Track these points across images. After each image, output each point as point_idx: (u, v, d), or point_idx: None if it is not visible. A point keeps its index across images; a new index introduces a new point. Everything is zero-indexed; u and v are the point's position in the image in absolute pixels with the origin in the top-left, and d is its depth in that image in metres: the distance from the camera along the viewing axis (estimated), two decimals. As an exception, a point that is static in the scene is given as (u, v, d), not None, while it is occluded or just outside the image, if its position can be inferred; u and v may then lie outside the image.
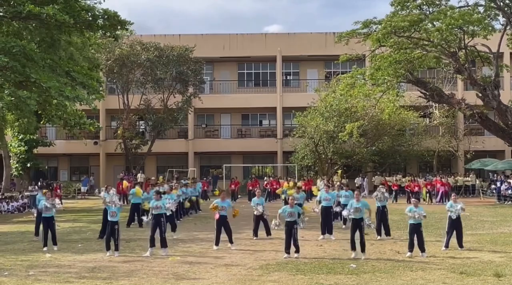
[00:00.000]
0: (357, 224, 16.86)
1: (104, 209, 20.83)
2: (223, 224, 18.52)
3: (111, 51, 43.79)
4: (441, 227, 19.36)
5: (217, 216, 18.55)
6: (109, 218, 17.58)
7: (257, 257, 16.85)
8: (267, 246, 18.67)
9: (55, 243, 18.87)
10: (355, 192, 18.38)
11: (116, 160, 50.59)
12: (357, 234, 16.81)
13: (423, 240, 17.00)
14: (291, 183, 33.55)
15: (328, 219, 21.16)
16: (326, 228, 20.95)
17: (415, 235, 16.91)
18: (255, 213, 21.04)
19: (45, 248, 18.39)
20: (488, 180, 46.00)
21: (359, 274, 14.17)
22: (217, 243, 18.43)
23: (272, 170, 51.02)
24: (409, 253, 16.82)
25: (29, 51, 27.14)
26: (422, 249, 16.83)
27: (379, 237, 20.37)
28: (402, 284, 12.94)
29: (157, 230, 17.67)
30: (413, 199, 17.95)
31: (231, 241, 18.54)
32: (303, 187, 34.37)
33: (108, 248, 17.41)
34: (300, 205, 23.60)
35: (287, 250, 16.84)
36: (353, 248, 16.72)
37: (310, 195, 34.97)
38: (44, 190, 22.95)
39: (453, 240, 18.09)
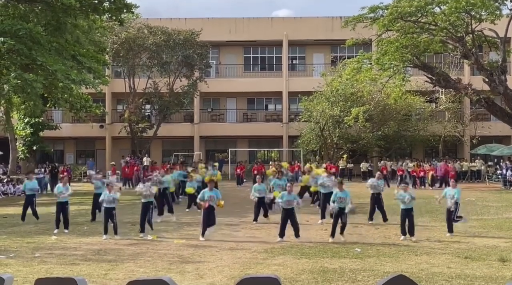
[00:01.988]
0: (341, 212, 16.88)
1: (94, 194, 20.95)
2: (209, 213, 17.35)
3: (117, 34, 43.75)
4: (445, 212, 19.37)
5: (206, 205, 17.42)
6: (105, 205, 17.62)
7: (262, 241, 16.90)
8: (272, 230, 18.70)
9: (66, 227, 18.98)
10: (338, 182, 18.25)
11: (122, 143, 50.70)
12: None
13: (413, 225, 17.18)
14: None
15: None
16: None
17: (406, 219, 17.09)
18: (251, 198, 21.16)
19: (56, 231, 18.48)
20: (494, 166, 45.94)
21: (364, 258, 14.21)
22: (203, 234, 17.26)
23: (278, 154, 51.04)
24: (402, 237, 17.05)
25: (35, 34, 27.10)
26: (412, 233, 17.04)
27: (370, 222, 20.43)
28: (406, 268, 12.96)
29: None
30: (402, 185, 17.97)
31: (203, 234, 17.22)
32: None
33: (105, 232, 17.57)
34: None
35: (281, 234, 16.89)
36: (333, 235, 16.82)
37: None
38: (61, 176, 23.12)
39: (458, 225, 18.10)
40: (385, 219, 20.66)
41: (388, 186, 37.00)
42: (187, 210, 24.56)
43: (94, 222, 20.97)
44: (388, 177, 38.07)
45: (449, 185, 19.55)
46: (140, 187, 18.65)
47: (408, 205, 17.10)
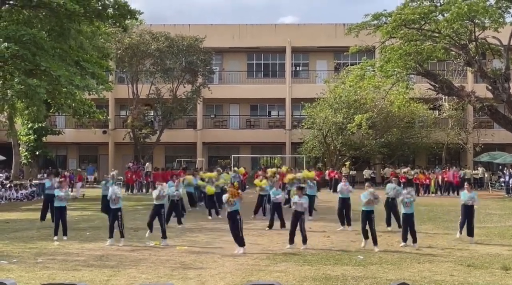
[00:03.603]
0: (368, 216, 16.86)
1: (103, 197, 20.95)
2: (233, 221, 16.22)
3: (121, 40, 43.82)
4: (449, 219, 19.34)
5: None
6: (110, 205, 17.56)
7: (264, 248, 16.88)
8: (275, 237, 18.69)
9: (65, 234, 18.81)
10: (366, 184, 18.22)
11: (125, 149, 50.70)
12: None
13: (415, 231, 17.18)
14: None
15: (347, 211, 21.01)
16: (346, 219, 20.88)
17: (408, 226, 17.09)
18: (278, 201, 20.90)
19: (55, 237, 18.44)
20: (497, 173, 45.88)
21: (366, 266, 14.18)
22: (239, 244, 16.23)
23: (281, 161, 50.98)
24: (403, 243, 17.03)
25: (39, 39, 27.19)
26: (414, 240, 17.02)
27: (389, 228, 20.32)
28: (409, 276, 12.94)
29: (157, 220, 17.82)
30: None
31: (240, 243, 16.17)
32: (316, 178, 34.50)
33: (111, 236, 17.42)
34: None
35: (291, 241, 16.81)
36: (366, 237, 16.80)
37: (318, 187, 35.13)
38: (59, 179, 23.22)
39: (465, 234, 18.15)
40: (400, 225, 20.56)
41: None
42: (209, 217, 24.28)
43: (96, 228, 20.93)
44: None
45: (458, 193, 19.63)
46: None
47: (409, 210, 17.07)
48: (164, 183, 20.01)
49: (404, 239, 17.16)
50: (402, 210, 17.29)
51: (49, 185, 22.26)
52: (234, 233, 16.20)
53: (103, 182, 24.78)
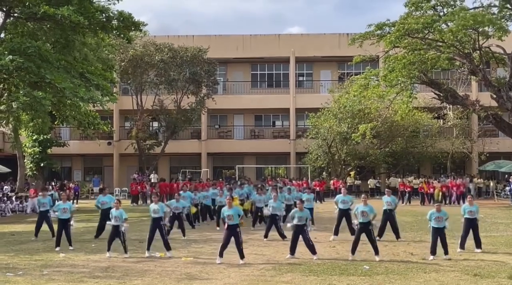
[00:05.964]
0: (365, 228, 16.74)
1: (102, 210, 20.88)
2: (232, 234, 16.19)
3: (125, 52, 43.94)
4: (455, 228, 19.23)
5: (225, 225, 16.51)
6: (113, 223, 17.47)
7: (270, 258, 16.85)
8: (280, 247, 18.65)
9: (70, 244, 18.84)
10: (362, 196, 18.18)
11: (130, 160, 50.78)
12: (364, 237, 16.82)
13: (446, 242, 16.71)
14: None
15: (347, 221, 21.01)
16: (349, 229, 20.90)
17: (439, 238, 16.66)
18: (264, 212, 21.28)
19: (57, 248, 18.45)
20: (503, 182, 45.76)
21: (372, 276, 14.13)
22: (221, 255, 16.22)
23: (285, 171, 50.98)
24: (432, 257, 16.53)
25: (44, 51, 27.30)
26: (446, 251, 16.56)
27: (379, 239, 20.11)
28: (415, 286, 12.91)
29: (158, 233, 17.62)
30: (436, 204, 17.72)
31: (241, 256, 16.07)
32: (317, 188, 34.52)
33: (109, 249, 17.35)
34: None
35: (292, 251, 16.81)
36: (353, 252, 16.68)
37: (322, 197, 35.12)
38: (62, 193, 23.12)
39: (469, 241, 18.02)
40: (398, 236, 20.51)
41: (403, 202, 37.05)
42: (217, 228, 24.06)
43: (102, 239, 20.87)
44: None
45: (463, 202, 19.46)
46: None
47: (440, 224, 16.69)
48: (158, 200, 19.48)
49: (433, 252, 16.60)
50: (431, 223, 16.96)
51: (43, 202, 21.97)
52: (237, 246, 16.14)
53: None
